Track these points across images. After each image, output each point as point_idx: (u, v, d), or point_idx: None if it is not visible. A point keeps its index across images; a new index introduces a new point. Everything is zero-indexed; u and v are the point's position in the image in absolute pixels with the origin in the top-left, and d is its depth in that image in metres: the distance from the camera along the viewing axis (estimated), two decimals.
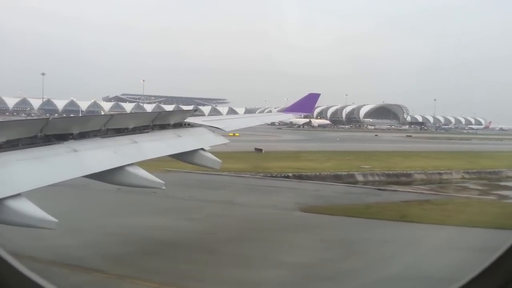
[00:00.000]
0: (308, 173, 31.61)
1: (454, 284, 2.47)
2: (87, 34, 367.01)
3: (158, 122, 10.63)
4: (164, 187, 8.65)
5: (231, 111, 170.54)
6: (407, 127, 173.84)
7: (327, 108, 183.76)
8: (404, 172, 34.47)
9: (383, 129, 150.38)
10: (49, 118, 8.12)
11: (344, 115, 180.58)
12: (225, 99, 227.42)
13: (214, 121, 13.82)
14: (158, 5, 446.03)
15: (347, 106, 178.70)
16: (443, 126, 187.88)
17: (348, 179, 31.24)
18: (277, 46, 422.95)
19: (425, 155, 47.98)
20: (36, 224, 6.07)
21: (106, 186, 19.28)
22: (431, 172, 35.51)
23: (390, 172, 34.04)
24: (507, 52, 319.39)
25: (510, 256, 2.35)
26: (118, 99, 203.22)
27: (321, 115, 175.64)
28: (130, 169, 8.15)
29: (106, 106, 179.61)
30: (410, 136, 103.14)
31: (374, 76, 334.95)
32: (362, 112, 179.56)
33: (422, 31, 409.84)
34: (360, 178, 32.05)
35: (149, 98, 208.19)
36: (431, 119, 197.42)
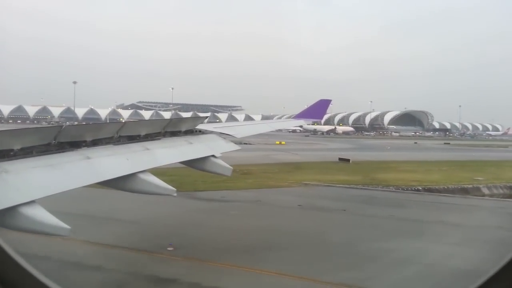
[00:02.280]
0: (436, 186, 32.07)
1: None
2: (99, 40, 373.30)
3: (170, 129, 10.69)
4: (175, 194, 8.58)
5: (248, 118, 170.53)
6: (431, 133, 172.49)
7: (349, 115, 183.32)
8: None
9: (409, 136, 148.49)
10: (62, 125, 8.25)
11: (367, 122, 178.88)
12: (240, 106, 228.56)
13: (224, 127, 13.84)
14: (174, 10, 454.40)
15: (370, 112, 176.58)
16: (467, 133, 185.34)
17: (475, 192, 31.62)
18: (293, 51, 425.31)
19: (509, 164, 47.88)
20: (50, 231, 6.13)
21: (281, 203, 23.07)
22: None
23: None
24: None
25: None
26: (134, 106, 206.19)
27: (343, 121, 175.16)
28: (143, 176, 8.21)
29: (125, 114, 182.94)
30: (448, 143, 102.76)
31: (389, 80, 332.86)
32: (387, 118, 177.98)
33: (432, 34, 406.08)
34: (485, 191, 32.26)
35: (166, 106, 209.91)
36: (449, 125, 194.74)
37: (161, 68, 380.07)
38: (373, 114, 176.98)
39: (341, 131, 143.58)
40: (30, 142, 6.96)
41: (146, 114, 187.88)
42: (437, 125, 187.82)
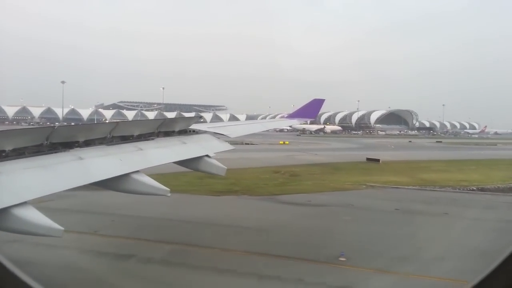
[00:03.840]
0: (488, 186, 31.99)
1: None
2: (77, 37, 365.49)
3: (163, 129, 10.61)
4: (169, 194, 8.48)
5: (233, 118, 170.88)
6: (415, 132, 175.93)
7: (335, 114, 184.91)
8: None
9: (394, 135, 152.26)
10: (54, 126, 8.06)
11: (353, 121, 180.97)
12: (224, 106, 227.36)
13: (218, 127, 13.77)
14: (156, 9, 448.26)
15: (356, 112, 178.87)
16: (451, 131, 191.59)
17: None
18: (280, 51, 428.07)
19: None
20: (43, 232, 5.99)
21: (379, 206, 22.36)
22: None
23: None
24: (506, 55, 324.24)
25: None
26: (116, 106, 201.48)
27: (329, 121, 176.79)
28: (136, 176, 8.08)
29: (108, 114, 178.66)
30: (441, 142, 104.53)
31: (379, 81, 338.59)
32: (373, 118, 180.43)
33: (422, 36, 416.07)
34: None
35: (149, 106, 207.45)
36: (428, 124, 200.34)
37: (142, 68, 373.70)
38: (359, 113, 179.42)
39: (329, 130, 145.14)
40: (22, 143, 6.83)
41: (129, 114, 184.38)
42: (418, 124, 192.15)
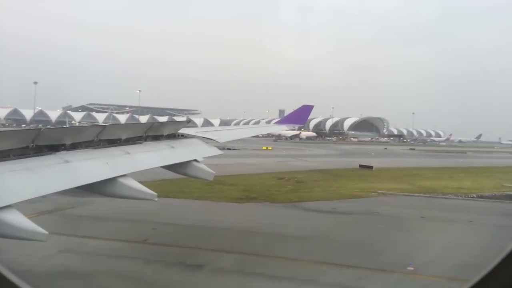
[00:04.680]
0: (484, 194, 32.08)
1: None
2: (45, 30, 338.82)
3: (152, 133, 10.56)
4: (156, 199, 8.39)
5: (207, 123, 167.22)
6: (386, 139, 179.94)
7: (309, 120, 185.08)
8: None
9: (367, 141, 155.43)
10: (40, 128, 8.00)
11: (327, 127, 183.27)
12: (197, 110, 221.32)
13: (207, 132, 13.76)
14: (124, 7, 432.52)
15: (330, 118, 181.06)
16: (420, 138, 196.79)
17: None
18: (262, 56, 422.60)
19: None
20: (27, 236, 5.87)
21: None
22: None
23: None
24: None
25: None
26: (85, 108, 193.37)
27: (303, 126, 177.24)
28: (123, 180, 8.03)
29: (77, 116, 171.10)
30: (414, 149, 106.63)
31: (366, 87, 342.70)
32: (346, 124, 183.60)
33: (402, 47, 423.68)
34: None
35: (120, 108, 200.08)
36: (395, 131, 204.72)
37: (115, 68, 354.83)
38: (333, 120, 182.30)
39: (304, 137, 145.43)
40: (7, 145, 6.71)
41: (100, 117, 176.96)
42: (386, 131, 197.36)
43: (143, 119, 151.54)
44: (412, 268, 13.12)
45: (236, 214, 21.81)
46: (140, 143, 9.98)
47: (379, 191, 30.33)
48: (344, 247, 16.19)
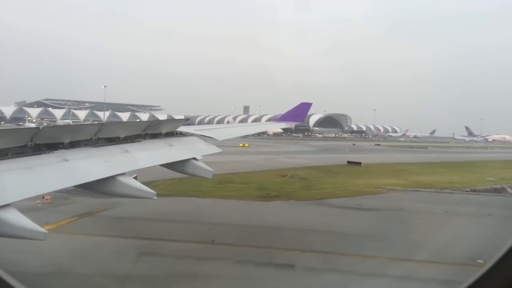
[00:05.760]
0: (476, 188, 32.46)
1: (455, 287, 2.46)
2: None
3: (150, 131, 10.57)
4: (155, 197, 8.37)
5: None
6: (349, 135, 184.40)
7: (275, 116, 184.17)
8: None
9: (331, 137, 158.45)
10: (39, 127, 8.00)
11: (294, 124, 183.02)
12: (160, 106, 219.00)
13: (205, 130, 13.71)
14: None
15: None
16: (380, 134, 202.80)
17: (505, 192, 32.42)
18: (222, 44, 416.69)
19: (483, 165, 51.22)
20: (26, 235, 5.86)
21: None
22: None
23: None
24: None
25: (510, 259, 2.33)
26: (41, 104, 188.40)
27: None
28: (122, 178, 8.02)
29: (33, 113, 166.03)
30: (379, 145, 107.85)
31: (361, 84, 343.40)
32: (312, 121, 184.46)
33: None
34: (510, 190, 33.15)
35: (78, 104, 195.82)
36: (355, 127, 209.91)
37: (76, 61, 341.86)
38: None
39: (271, 133, 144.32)
40: (5, 144, 6.72)
41: (58, 113, 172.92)
42: (348, 128, 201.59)
43: (103, 115, 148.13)
44: (482, 261, 13.02)
45: (275, 213, 21.61)
46: (139, 141, 9.99)
47: (386, 187, 30.57)
48: (405, 243, 16.15)
